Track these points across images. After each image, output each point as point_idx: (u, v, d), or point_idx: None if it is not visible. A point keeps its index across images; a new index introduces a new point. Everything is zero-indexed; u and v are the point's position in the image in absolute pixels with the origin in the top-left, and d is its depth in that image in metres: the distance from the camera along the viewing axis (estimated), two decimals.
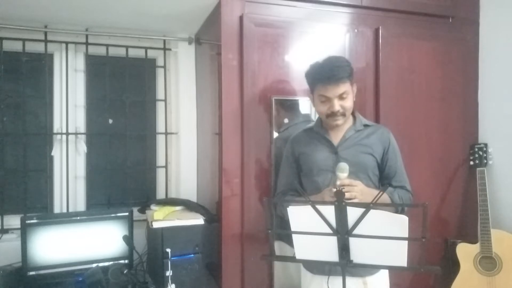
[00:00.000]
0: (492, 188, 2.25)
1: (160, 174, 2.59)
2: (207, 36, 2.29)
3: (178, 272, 1.84)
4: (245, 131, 1.92)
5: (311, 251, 1.41)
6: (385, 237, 1.27)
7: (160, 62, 2.57)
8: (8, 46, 2.25)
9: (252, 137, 1.93)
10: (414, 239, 1.26)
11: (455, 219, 2.31)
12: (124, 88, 2.45)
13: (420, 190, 2.02)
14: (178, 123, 2.54)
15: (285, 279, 1.98)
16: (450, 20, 2.32)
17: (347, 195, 1.41)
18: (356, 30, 2.12)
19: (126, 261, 2.07)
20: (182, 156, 2.51)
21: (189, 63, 2.53)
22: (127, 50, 2.44)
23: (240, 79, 1.93)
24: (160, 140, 2.59)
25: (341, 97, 1.60)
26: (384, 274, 1.67)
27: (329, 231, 1.31)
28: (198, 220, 1.94)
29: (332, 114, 1.62)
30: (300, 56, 2.01)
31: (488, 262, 2.09)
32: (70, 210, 2.33)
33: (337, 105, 1.60)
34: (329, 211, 1.30)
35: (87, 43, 2.37)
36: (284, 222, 1.49)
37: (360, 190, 1.51)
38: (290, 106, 2.02)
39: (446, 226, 2.29)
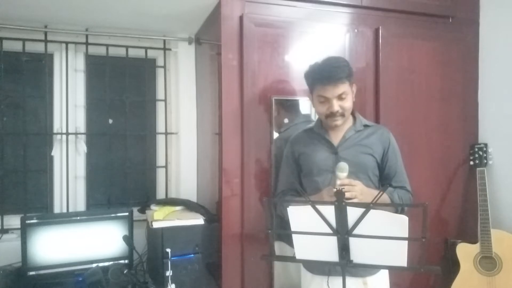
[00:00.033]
0: (492, 188, 2.25)
1: (160, 174, 2.59)
2: (207, 36, 2.29)
3: (178, 272, 1.84)
4: (245, 131, 1.92)
5: (311, 251, 1.41)
6: (385, 237, 1.27)
7: (160, 62, 2.57)
8: (8, 46, 2.25)
9: (252, 137, 1.93)
10: (414, 239, 1.26)
11: (455, 219, 2.31)
12: (124, 88, 2.45)
13: (420, 190, 2.02)
14: (178, 123, 2.54)
15: (285, 279, 1.98)
16: (450, 20, 2.32)
17: (347, 195, 1.41)
18: (356, 30, 2.12)
19: (126, 261, 2.07)
20: (182, 156, 2.51)
21: (189, 63, 2.53)
22: (127, 50, 2.44)
23: (240, 79, 1.93)
24: (160, 140, 2.59)
25: (340, 97, 1.61)
26: (384, 274, 1.67)
27: (329, 231, 1.32)
28: (198, 220, 1.94)
29: (331, 115, 1.62)
30: (300, 56, 2.01)
31: (488, 262, 2.09)
32: (70, 210, 2.33)
33: (336, 105, 1.60)
34: (329, 211, 1.30)
35: (87, 43, 2.37)
36: (284, 222, 1.49)
37: (360, 190, 1.51)
38: (290, 106, 2.02)
39: (446, 226, 2.29)
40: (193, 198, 2.44)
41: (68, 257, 1.99)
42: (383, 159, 1.69)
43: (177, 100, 2.54)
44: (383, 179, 1.71)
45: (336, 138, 1.69)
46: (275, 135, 1.97)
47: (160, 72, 2.58)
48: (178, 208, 2.12)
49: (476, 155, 2.25)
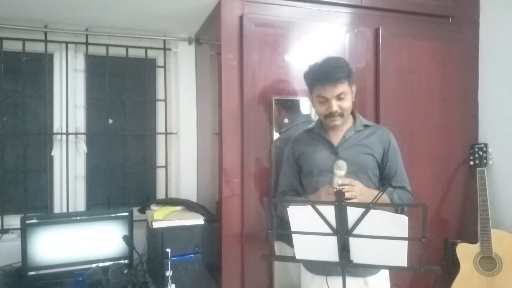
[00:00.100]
0: (492, 188, 2.25)
1: (160, 174, 2.59)
2: (207, 36, 2.29)
3: (178, 272, 1.84)
4: (245, 131, 1.92)
5: (311, 251, 1.41)
6: (385, 237, 1.27)
7: (160, 62, 2.57)
8: (8, 46, 2.25)
9: (252, 137, 1.93)
10: (414, 239, 1.26)
11: (455, 219, 2.31)
12: (124, 88, 2.45)
13: (420, 190, 2.02)
14: (178, 123, 2.54)
15: (285, 279, 1.98)
16: (450, 20, 2.32)
17: (347, 195, 1.41)
18: (356, 30, 2.12)
19: (126, 261, 2.07)
20: (182, 156, 2.51)
21: (189, 63, 2.53)
22: (127, 50, 2.44)
23: (240, 79, 1.93)
24: (160, 140, 2.59)
25: (339, 97, 1.61)
26: (384, 274, 1.67)
27: (329, 231, 1.31)
28: (198, 220, 1.94)
29: (330, 115, 1.62)
30: (300, 56, 2.01)
31: (488, 262, 2.09)
32: (70, 210, 2.33)
33: (335, 105, 1.60)
34: (329, 211, 1.30)
35: (87, 43, 2.37)
36: (284, 222, 1.49)
37: (359, 190, 1.51)
38: (290, 106, 2.02)
39: (446, 226, 2.29)
40: (193, 198, 2.43)
41: (68, 257, 1.99)
42: (383, 159, 1.69)
43: (177, 100, 2.54)
44: (383, 179, 1.71)
45: (336, 138, 1.69)
46: (275, 135, 1.97)
47: (160, 72, 2.58)
48: (178, 208, 2.12)
49: (476, 155, 2.25)
